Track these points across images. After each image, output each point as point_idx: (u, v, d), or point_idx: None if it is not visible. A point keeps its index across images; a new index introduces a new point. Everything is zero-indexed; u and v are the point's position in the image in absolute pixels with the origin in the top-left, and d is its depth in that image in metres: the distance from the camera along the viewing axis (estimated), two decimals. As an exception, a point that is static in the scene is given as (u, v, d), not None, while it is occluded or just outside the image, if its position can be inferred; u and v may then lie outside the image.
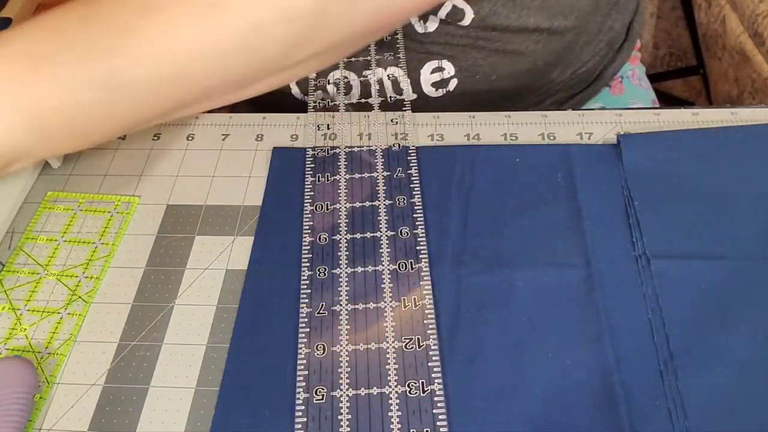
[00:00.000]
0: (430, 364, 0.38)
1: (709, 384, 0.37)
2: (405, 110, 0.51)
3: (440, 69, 0.56)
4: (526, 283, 0.42)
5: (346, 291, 0.42)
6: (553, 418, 0.37)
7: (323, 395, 0.38)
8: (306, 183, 0.47)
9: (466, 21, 0.53)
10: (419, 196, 0.46)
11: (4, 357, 0.40)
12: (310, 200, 0.46)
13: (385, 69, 0.56)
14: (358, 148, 0.49)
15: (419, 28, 0.55)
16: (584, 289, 0.41)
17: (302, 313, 0.41)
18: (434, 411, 0.37)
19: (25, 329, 0.42)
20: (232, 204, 0.47)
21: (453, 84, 0.57)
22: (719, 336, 0.39)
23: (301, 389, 0.38)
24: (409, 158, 0.48)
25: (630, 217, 0.44)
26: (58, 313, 0.43)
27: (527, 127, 0.50)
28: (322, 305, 0.41)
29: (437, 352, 0.39)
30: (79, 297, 0.43)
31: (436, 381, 0.38)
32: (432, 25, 0.54)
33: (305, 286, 0.42)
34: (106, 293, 0.43)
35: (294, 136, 0.51)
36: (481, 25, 0.54)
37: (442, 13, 0.53)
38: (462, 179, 0.47)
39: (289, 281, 0.42)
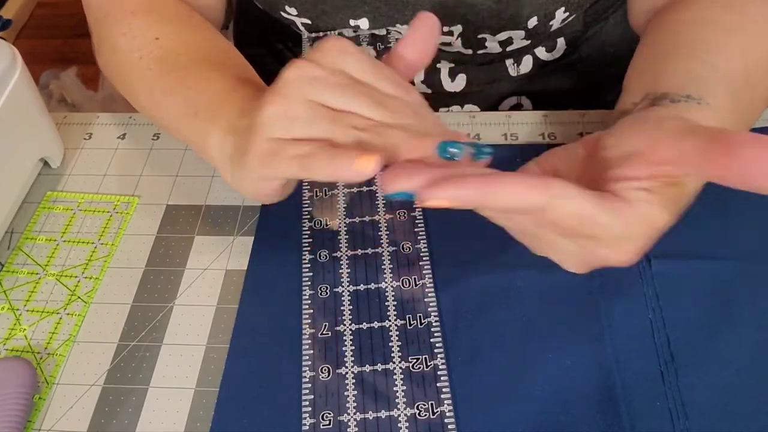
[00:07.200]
0: (438, 384, 0.38)
1: (709, 384, 0.37)
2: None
3: None
4: (526, 283, 0.42)
5: (349, 310, 0.41)
6: (554, 418, 0.37)
7: (330, 420, 0.37)
8: (303, 198, 0.46)
9: None
10: (420, 209, 0.45)
11: (3, 357, 0.40)
12: (308, 216, 0.45)
13: None
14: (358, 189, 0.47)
15: None
16: (584, 289, 0.41)
17: (305, 334, 0.40)
18: None
19: (25, 329, 0.42)
20: (232, 204, 0.47)
21: None
22: (720, 336, 0.39)
23: (308, 414, 0.37)
24: None
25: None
26: (58, 313, 0.43)
27: (527, 127, 0.50)
28: (325, 325, 0.40)
29: (446, 372, 0.38)
30: (79, 297, 0.43)
31: (445, 402, 0.37)
32: None
33: (307, 306, 0.41)
34: (105, 293, 0.43)
35: (294, 136, 0.51)
36: None
37: None
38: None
39: (290, 280, 0.42)
